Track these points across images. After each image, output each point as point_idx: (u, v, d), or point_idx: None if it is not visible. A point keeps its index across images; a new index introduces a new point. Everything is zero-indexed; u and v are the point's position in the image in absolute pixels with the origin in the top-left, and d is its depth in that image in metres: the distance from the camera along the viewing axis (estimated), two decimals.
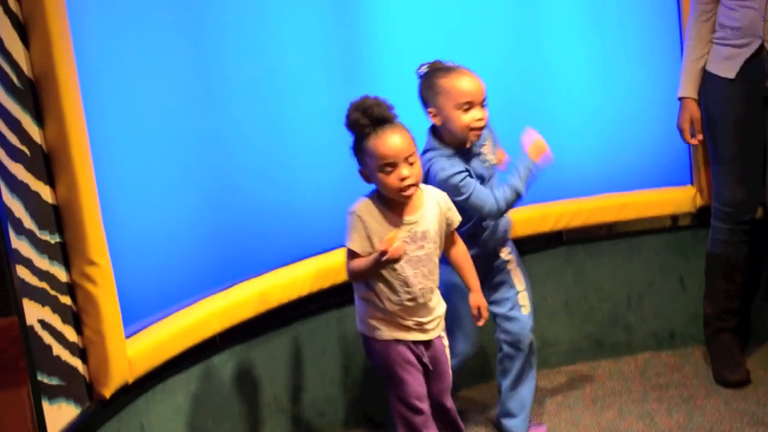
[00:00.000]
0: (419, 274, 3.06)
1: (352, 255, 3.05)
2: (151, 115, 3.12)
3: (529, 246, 3.86)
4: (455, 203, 3.21)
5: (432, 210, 3.10)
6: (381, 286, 3.06)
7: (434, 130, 3.38)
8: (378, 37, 3.72)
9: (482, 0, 3.85)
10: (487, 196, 3.33)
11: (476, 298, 3.25)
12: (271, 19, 3.46)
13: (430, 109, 3.35)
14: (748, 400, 3.76)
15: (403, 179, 2.97)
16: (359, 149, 3.02)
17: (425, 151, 3.37)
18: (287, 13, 3.50)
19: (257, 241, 3.49)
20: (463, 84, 3.30)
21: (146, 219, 3.11)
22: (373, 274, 3.04)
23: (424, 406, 3.13)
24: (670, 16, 4.02)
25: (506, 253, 3.55)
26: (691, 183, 4.09)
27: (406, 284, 3.05)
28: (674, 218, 4.20)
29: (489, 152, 3.43)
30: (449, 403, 3.22)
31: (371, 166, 3.00)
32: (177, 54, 3.20)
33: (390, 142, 2.97)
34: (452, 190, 3.28)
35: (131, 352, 2.94)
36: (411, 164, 2.98)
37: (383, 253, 2.93)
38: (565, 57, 3.98)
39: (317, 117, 3.57)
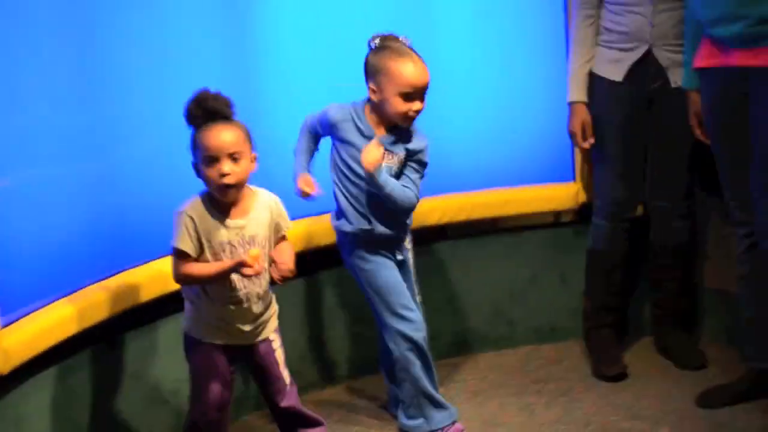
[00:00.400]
0: (245, 278, 3.01)
1: (182, 256, 2.97)
2: (31, 103, 3.03)
3: (414, 239, 3.88)
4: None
5: (262, 214, 3.06)
6: (205, 289, 3.03)
7: (370, 102, 3.37)
8: (266, 36, 3.69)
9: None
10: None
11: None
12: (160, 10, 3.40)
13: (371, 85, 3.32)
14: (625, 394, 3.83)
15: (222, 175, 2.92)
16: (192, 142, 2.98)
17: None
18: (178, 7, 3.45)
19: (136, 232, 3.42)
20: (410, 72, 3.27)
21: (24, 210, 3.02)
22: (214, 281, 2.99)
23: (213, 415, 3.11)
24: (557, 16, 4.08)
25: (408, 242, 3.55)
26: (574, 180, 4.16)
27: (231, 288, 3.02)
28: (556, 214, 4.27)
29: (393, 156, 3.37)
30: (285, 402, 3.19)
31: (199, 158, 2.95)
32: (60, 42, 3.11)
33: (215, 134, 2.92)
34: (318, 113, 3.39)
35: (6, 343, 2.85)
36: (235, 161, 2.92)
37: (241, 264, 2.89)
38: (456, 50, 4.02)
39: None
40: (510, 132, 4.14)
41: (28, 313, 3.03)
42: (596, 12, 3.83)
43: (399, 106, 3.29)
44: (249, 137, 2.98)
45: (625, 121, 3.86)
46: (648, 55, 3.76)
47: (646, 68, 3.78)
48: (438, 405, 3.52)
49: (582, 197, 4.14)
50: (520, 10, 4.08)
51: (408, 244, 3.56)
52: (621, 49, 3.79)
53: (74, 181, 3.21)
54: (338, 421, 3.71)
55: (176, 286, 3.22)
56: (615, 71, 3.81)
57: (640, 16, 3.73)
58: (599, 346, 4.05)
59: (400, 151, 3.37)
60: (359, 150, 3.32)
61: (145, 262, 3.42)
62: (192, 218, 2.96)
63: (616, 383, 3.91)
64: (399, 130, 3.37)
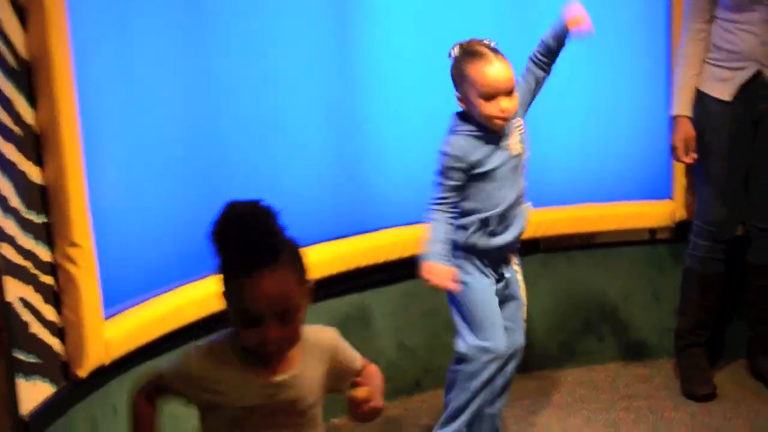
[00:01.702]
0: None
1: (159, 383, 2.21)
2: (144, 101, 3.16)
3: None
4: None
5: (314, 370, 2.19)
6: None
7: (462, 113, 3.30)
8: (374, 33, 3.75)
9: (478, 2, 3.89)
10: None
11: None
12: (267, 13, 3.49)
13: (457, 94, 3.27)
14: (714, 415, 3.82)
15: (263, 344, 2.07)
16: (224, 282, 2.11)
17: (449, 133, 3.29)
18: (284, 5, 3.53)
19: None
20: (489, 73, 3.18)
21: (132, 203, 3.14)
22: None
23: None
24: (659, 31, 4.06)
25: (515, 263, 3.45)
26: (671, 197, 4.14)
27: None
28: (652, 231, 4.25)
29: (515, 142, 3.32)
30: None
31: (235, 308, 2.09)
32: (174, 48, 3.23)
33: (257, 287, 2.03)
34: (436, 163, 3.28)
35: (109, 335, 2.97)
36: (284, 321, 2.05)
37: None
38: (556, 64, 4.01)
39: (309, 110, 3.63)
40: (608, 147, 4.14)
41: (129, 307, 3.14)
42: (707, 27, 3.78)
43: (484, 108, 3.21)
44: (300, 269, 2.10)
45: (729, 141, 3.81)
46: (758, 76, 3.71)
47: (755, 88, 3.72)
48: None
49: (679, 215, 4.12)
50: (621, 24, 4.06)
51: (516, 265, 3.48)
52: (730, 68, 3.73)
53: (183, 177, 3.33)
54: (424, 427, 3.75)
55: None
56: (723, 90, 3.76)
57: (752, 35, 3.66)
58: (690, 365, 4.03)
59: (514, 146, 3.32)
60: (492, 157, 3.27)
61: None
62: (201, 370, 2.14)
63: (705, 403, 3.89)
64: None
